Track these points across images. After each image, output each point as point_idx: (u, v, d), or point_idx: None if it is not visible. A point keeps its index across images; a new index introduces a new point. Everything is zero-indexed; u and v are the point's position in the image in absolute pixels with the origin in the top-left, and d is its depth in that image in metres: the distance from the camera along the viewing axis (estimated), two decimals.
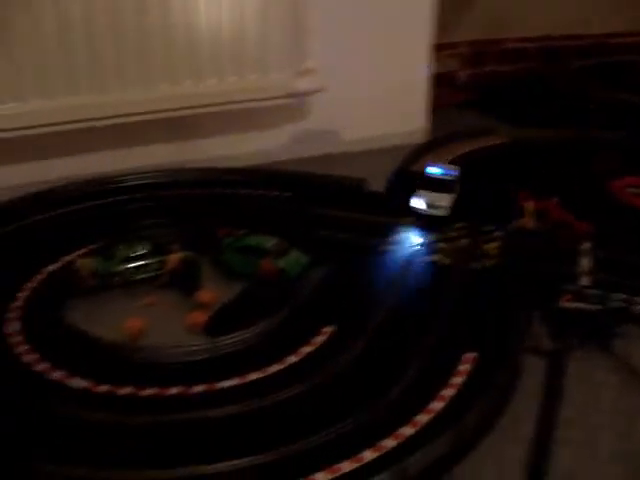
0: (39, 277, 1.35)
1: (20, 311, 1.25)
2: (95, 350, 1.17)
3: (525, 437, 0.99)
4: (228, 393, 1.06)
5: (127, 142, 1.81)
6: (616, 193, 1.70)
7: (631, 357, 1.16)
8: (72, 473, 0.91)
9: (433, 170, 1.63)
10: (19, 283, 1.33)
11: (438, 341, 1.16)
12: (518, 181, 1.70)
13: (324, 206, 1.62)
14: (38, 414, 1.02)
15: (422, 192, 1.59)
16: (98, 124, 1.69)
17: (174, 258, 1.35)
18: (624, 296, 1.23)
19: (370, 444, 0.93)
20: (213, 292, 1.30)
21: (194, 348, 1.16)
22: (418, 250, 1.41)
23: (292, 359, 1.12)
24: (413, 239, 1.44)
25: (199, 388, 1.06)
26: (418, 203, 1.57)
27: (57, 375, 1.09)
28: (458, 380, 1.06)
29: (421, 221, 1.51)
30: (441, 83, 2.21)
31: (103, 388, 1.07)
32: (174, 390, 1.06)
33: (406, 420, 0.97)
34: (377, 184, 1.75)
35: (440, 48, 2.16)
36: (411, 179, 1.70)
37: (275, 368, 1.10)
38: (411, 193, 1.58)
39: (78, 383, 1.08)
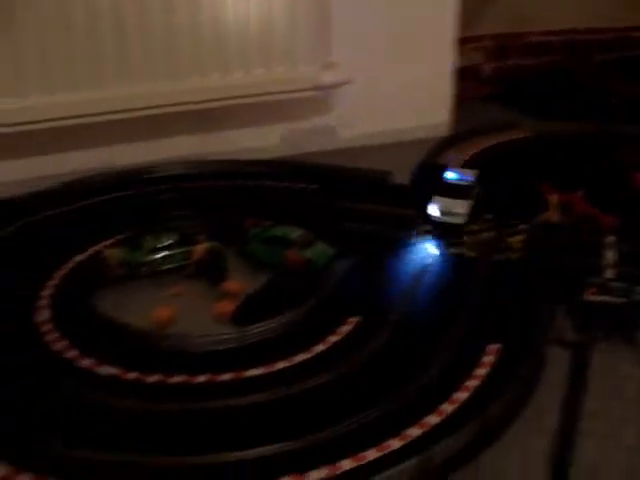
0: (67, 267, 1.37)
1: (49, 300, 1.27)
2: (124, 338, 1.18)
3: (549, 428, 0.99)
4: (255, 381, 1.07)
5: (154, 134, 1.82)
6: None
7: None
8: (101, 458, 0.92)
9: (450, 175, 1.59)
10: (48, 273, 1.34)
11: (463, 332, 1.16)
12: (542, 175, 1.70)
13: (349, 198, 1.62)
14: (67, 401, 1.03)
15: (437, 198, 1.52)
16: (125, 116, 1.71)
17: (200, 248, 1.36)
18: None
19: (395, 433, 0.94)
20: (239, 282, 1.32)
21: (222, 337, 1.18)
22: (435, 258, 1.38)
23: (318, 348, 1.13)
24: (429, 248, 1.41)
25: (226, 376, 1.08)
26: (433, 210, 1.50)
27: (86, 362, 1.11)
28: (482, 371, 1.07)
29: (436, 229, 1.46)
30: (465, 76, 2.21)
31: (132, 375, 1.08)
32: (202, 378, 1.07)
33: (431, 409, 0.98)
34: (402, 177, 1.75)
35: (464, 41, 2.16)
36: (435, 172, 1.71)
37: (301, 357, 1.11)
38: (436, 186, 1.58)
39: (107, 370, 1.09)
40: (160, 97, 1.74)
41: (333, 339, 1.16)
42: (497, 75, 2.51)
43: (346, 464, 0.90)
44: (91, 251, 1.41)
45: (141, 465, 0.92)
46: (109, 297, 1.30)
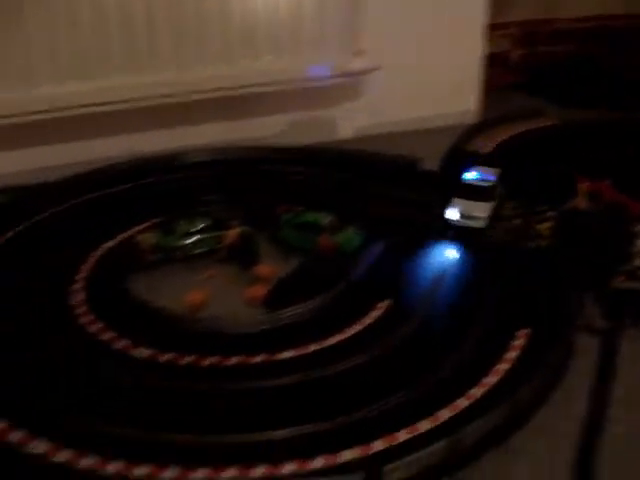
0: (102, 251, 1.39)
1: (84, 282, 1.29)
2: (158, 321, 1.20)
3: (577, 414, 1.00)
4: (287, 363, 1.09)
5: (185, 120, 1.84)
6: None
7: None
8: (136, 436, 0.94)
9: (470, 176, 1.46)
10: (83, 256, 1.36)
11: (492, 318, 1.17)
12: (570, 162, 1.70)
13: (379, 184, 1.64)
14: (105, 381, 1.06)
15: (457, 201, 1.42)
16: (155, 102, 1.73)
17: (233, 233, 1.38)
18: None
19: (426, 415, 0.95)
20: (271, 267, 1.33)
21: (255, 319, 1.20)
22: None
23: (349, 332, 1.15)
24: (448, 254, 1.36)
25: (259, 358, 1.09)
26: (452, 214, 1.40)
27: (121, 344, 1.13)
28: (512, 355, 1.08)
29: (456, 234, 1.40)
30: (493, 63, 2.21)
31: (166, 357, 1.10)
32: (235, 360, 1.09)
33: (461, 393, 0.99)
34: (430, 163, 1.75)
35: (492, 28, 2.16)
36: (464, 159, 1.71)
37: (332, 340, 1.13)
38: (463, 173, 1.58)
39: (142, 352, 1.11)
40: (189, 84, 1.76)
41: (364, 322, 1.17)
42: (525, 62, 2.50)
43: (377, 445, 0.91)
44: (124, 236, 1.43)
45: (176, 443, 0.94)
46: (142, 281, 1.32)
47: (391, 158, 1.76)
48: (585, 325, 1.18)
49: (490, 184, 1.44)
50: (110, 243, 1.41)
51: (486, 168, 1.50)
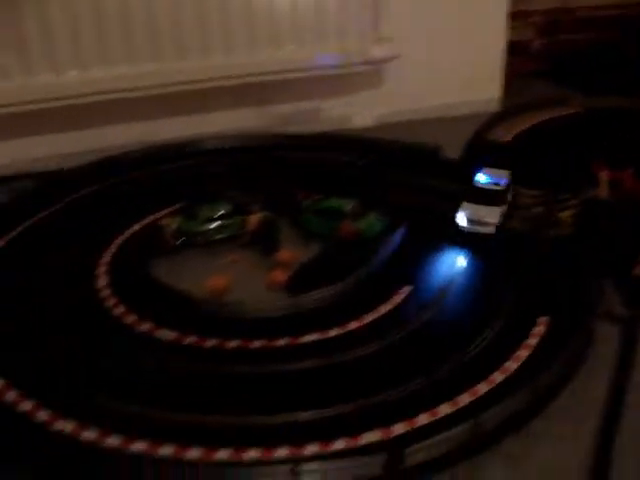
0: (125, 235, 1.41)
1: (108, 267, 1.31)
2: (181, 304, 1.22)
3: (598, 400, 1.01)
4: (308, 347, 1.10)
5: (202, 108, 1.85)
6: None
7: None
8: (161, 417, 0.96)
9: (481, 178, 1.42)
10: (107, 240, 1.38)
11: (513, 305, 1.18)
12: (592, 151, 1.70)
13: (400, 172, 1.64)
14: (127, 363, 1.07)
15: (466, 205, 1.38)
16: (178, 89, 1.74)
17: (254, 219, 1.39)
18: None
19: (446, 399, 0.96)
20: (292, 252, 1.34)
21: (277, 304, 1.21)
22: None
23: (370, 317, 1.16)
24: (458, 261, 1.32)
25: (281, 342, 1.10)
26: (461, 219, 1.36)
27: (145, 327, 1.14)
28: (533, 342, 1.08)
29: (465, 240, 1.36)
30: (515, 52, 2.20)
31: (189, 340, 1.11)
32: (257, 343, 1.10)
33: (482, 378, 1.00)
34: (452, 151, 1.75)
35: (515, 16, 2.15)
36: (486, 147, 1.71)
37: (354, 325, 1.14)
38: (486, 161, 1.57)
39: (165, 335, 1.13)
40: (210, 71, 1.77)
41: (385, 308, 1.18)
42: (547, 50, 2.49)
43: (398, 428, 0.92)
44: (147, 221, 1.45)
45: (199, 424, 0.95)
46: (165, 265, 1.33)
47: (413, 145, 1.77)
48: (605, 313, 1.18)
49: (501, 188, 1.40)
50: (133, 228, 1.43)
51: (497, 170, 1.45)
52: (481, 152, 1.69)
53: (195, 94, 1.78)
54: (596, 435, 0.95)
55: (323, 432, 0.92)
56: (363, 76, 1.92)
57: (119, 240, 1.39)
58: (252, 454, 0.89)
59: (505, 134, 1.84)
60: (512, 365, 1.03)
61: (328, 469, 0.88)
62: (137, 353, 1.10)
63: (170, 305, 1.21)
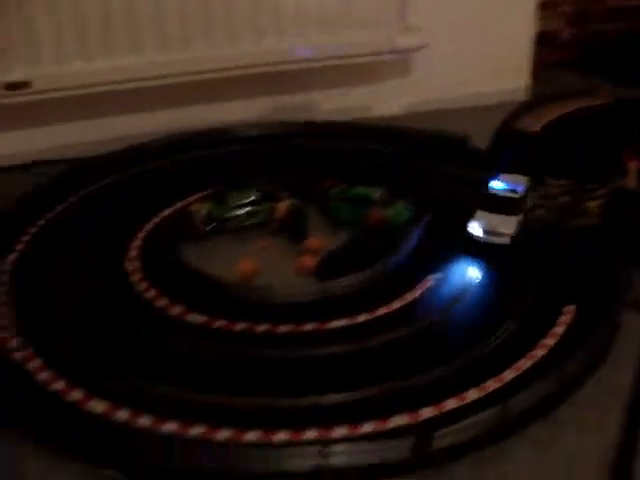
0: (156, 221, 1.42)
1: (139, 251, 1.32)
2: (211, 288, 1.23)
3: (624, 387, 1.01)
4: (337, 332, 1.11)
5: (233, 95, 1.86)
6: None
7: None
8: (190, 398, 0.97)
9: (497, 185, 1.32)
10: (138, 225, 1.40)
11: (540, 294, 1.18)
12: (620, 141, 1.69)
13: (428, 160, 1.65)
14: (158, 346, 1.09)
15: (481, 214, 1.31)
16: (206, 77, 1.75)
17: (283, 206, 1.40)
18: None
19: (474, 384, 0.97)
20: (320, 239, 1.35)
21: (305, 290, 1.22)
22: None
23: (398, 303, 1.17)
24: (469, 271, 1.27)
25: (309, 327, 1.12)
26: (475, 229, 1.30)
27: (176, 311, 1.16)
28: (559, 330, 1.09)
29: (479, 250, 1.30)
30: (544, 42, 2.19)
31: (219, 324, 1.13)
32: (286, 328, 1.11)
33: (509, 365, 1.01)
34: (479, 141, 1.74)
35: (544, 6, 2.14)
36: (514, 137, 1.70)
37: (382, 311, 1.15)
38: (513, 151, 1.57)
39: (195, 318, 1.14)
40: (239, 58, 1.77)
41: (413, 295, 1.19)
42: (576, 40, 2.47)
43: (427, 411, 0.93)
44: (177, 206, 1.46)
45: (229, 406, 0.97)
46: (195, 250, 1.35)
47: (441, 134, 1.77)
48: (632, 302, 1.18)
49: (518, 195, 1.32)
50: (163, 214, 1.44)
51: (515, 176, 1.36)
52: (509, 142, 1.69)
53: (223, 82, 1.78)
54: (621, 426, 0.95)
55: (351, 415, 0.93)
56: (391, 65, 1.92)
57: (150, 225, 1.41)
58: (281, 436, 0.90)
59: (533, 124, 1.84)
60: (539, 352, 1.04)
61: (356, 451, 0.89)
62: (168, 336, 1.11)
63: (200, 290, 1.23)
